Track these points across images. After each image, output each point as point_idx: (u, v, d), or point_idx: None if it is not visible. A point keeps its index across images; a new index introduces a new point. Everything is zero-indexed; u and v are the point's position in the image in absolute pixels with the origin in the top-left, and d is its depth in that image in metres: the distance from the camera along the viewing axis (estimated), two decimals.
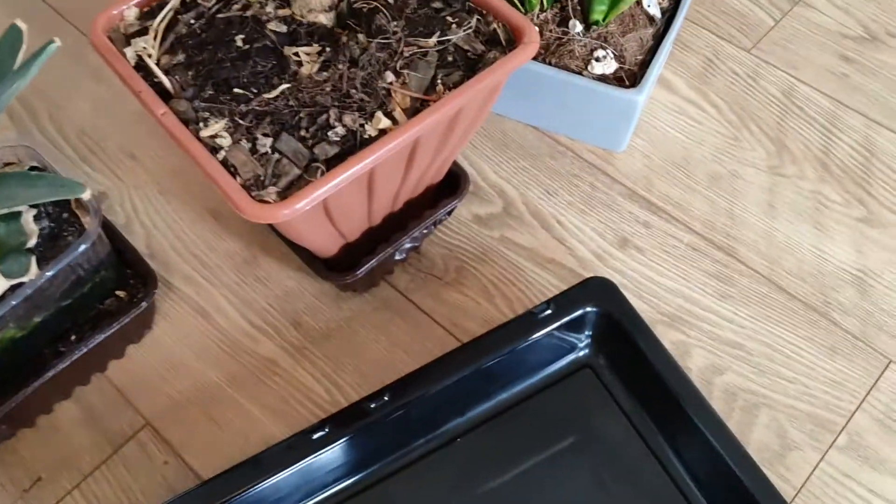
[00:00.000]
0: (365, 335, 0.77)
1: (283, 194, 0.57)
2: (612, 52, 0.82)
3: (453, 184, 0.79)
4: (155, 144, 0.90)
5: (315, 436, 0.67)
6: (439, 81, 0.62)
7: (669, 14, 0.86)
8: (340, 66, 0.61)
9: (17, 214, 0.64)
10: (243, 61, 0.61)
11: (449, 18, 0.65)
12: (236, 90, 0.61)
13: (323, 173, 0.57)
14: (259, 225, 0.84)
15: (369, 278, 0.79)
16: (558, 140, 0.89)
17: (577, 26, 0.83)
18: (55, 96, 0.93)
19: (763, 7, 0.98)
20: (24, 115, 0.92)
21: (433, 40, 0.63)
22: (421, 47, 0.63)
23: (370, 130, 0.59)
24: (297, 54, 0.62)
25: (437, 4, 0.66)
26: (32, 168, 0.70)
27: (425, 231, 0.80)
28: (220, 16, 0.64)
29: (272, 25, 0.63)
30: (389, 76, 0.62)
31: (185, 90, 0.61)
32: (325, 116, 0.59)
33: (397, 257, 0.79)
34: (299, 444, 0.67)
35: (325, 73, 0.61)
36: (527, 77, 0.83)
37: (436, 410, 0.70)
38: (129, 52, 0.64)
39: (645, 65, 0.82)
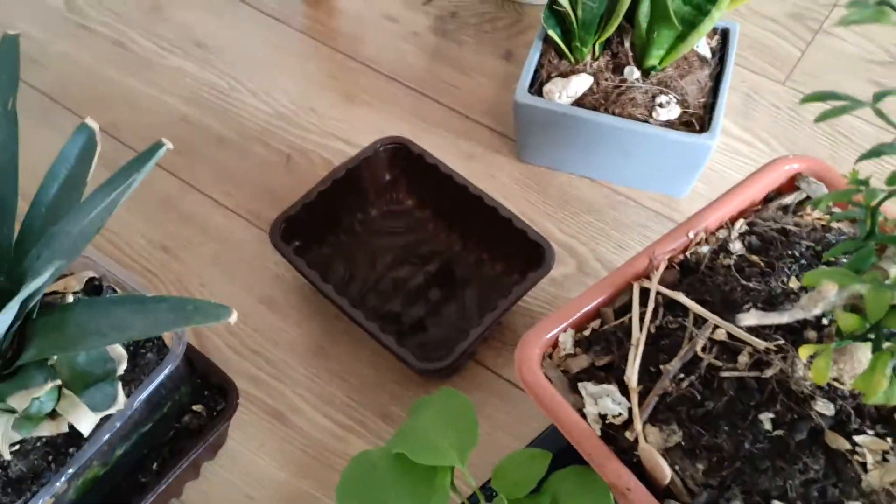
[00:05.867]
0: None
1: None
2: (675, 97, 0.79)
3: (536, 254, 0.74)
4: (186, 232, 0.82)
5: None
6: None
7: (720, 54, 0.84)
8: None
9: None
10: (784, 459, 0.44)
11: None
12: None
13: None
14: (320, 311, 0.77)
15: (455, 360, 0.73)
16: (616, 190, 0.85)
17: (634, 73, 0.80)
18: None
19: (787, 39, 0.98)
20: None
21: None
22: None
23: None
24: (853, 450, 0.45)
25: None
26: (90, 280, 0.62)
27: None
28: (725, 374, 0.47)
29: (820, 406, 0.45)
30: None
31: (698, 494, 0.45)
32: None
33: None
34: None
35: None
36: (589, 129, 0.79)
37: None
38: (590, 410, 0.48)
39: (709, 107, 0.79)
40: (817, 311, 0.37)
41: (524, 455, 0.50)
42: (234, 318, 0.44)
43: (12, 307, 0.46)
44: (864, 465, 0.44)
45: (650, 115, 0.79)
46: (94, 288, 0.61)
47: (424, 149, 0.79)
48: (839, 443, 0.45)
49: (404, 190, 0.83)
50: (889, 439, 0.45)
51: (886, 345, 0.38)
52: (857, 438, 0.45)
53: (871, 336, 0.41)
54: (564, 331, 0.51)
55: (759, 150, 0.89)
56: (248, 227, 0.83)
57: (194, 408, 0.66)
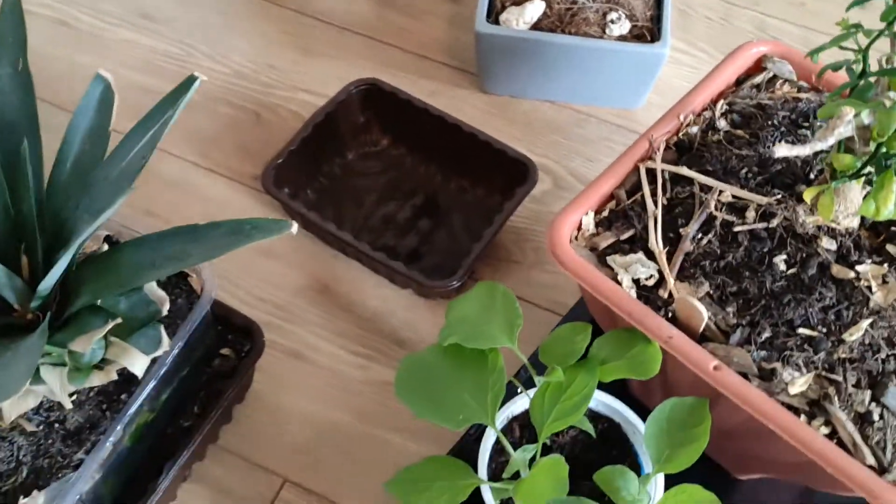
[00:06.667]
0: None
1: None
2: (624, 13, 0.84)
3: (518, 172, 0.78)
4: (170, 196, 0.83)
5: None
6: None
7: None
8: None
9: (139, 286, 0.58)
10: (802, 292, 0.50)
11: None
12: (803, 331, 0.49)
13: None
14: (318, 253, 0.80)
15: None
16: (577, 109, 0.90)
17: None
18: None
19: None
20: None
21: None
22: None
23: None
24: (857, 277, 0.51)
25: None
26: (107, 238, 0.63)
27: None
28: (737, 229, 0.53)
29: (824, 242, 0.51)
30: None
31: (732, 332, 0.50)
32: None
33: None
34: None
35: None
36: (549, 51, 0.83)
37: None
38: (623, 278, 0.52)
39: (656, 19, 0.85)
40: (831, 141, 0.42)
41: (566, 329, 0.54)
42: (294, 228, 0.46)
43: (72, 249, 0.47)
44: (869, 288, 0.50)
45: (604, 32, 0.84)
46: (112, 244, 0.62)
47: (396, 86, 0.82)
48: (845, 273, 0.51)
49: (378, 130, 0.86)
50: (885, 265, 0.51)
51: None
52: (858, 268, 0.51)
53: (867, 170, 0.46)
54: (585, 213, 0.56)
55: (700, 58, 0.95)
56: (230, 184, 0.84)
57: (222, 351, 0.68)
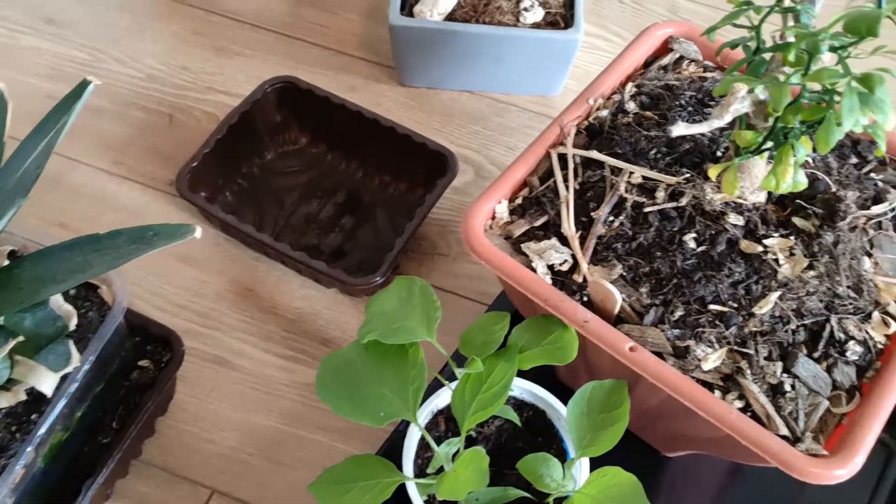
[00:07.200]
0: None
1: (818, 437, 0.47)
2: (537, 1, 0.84)
3: (438, 163, 0.78)
4: (81, 206, 0.80)
5: None
6: None
7: None
8: (823, 260, 0.51)
9: (44, 301, 0.55)
10: (712, 269, 0.50)
11: (874, 175, 0.56)
12: (714, 307, 0.50)
13: (850, 401, 0.48)
14: (238, 256, 0.78)
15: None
16: (496, 98, 0.90)
17: None
18: None
19: None
20: None
21: (884, 207, 0.53)
22: (871, 219, 0.53)
23: (877, 337, 0.50)
24: (765, 251, 0.51)
25: (854, 160, 0.57)
26: (11, 253, 0.61)
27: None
28: (648, 210, 0.52)
29: (732, 218, 0.51)
30: (866, 262, 0.51)
31: (646, 313, 0.50)
32: (828, 327, 0.49)
33: None
34: None
35: (811, 272, 0.50)
36: (463, 41, 0.83)
37: None
38: (538, 264, 0.52)
39: (568, 5, 0.85)
40: (728, 118, 0.42)
41: (485, 319, 0.54)
42: (198, 233, 0.45)
43: None
44: (776, 261, 0.51)
45: (517, 21, 0.84)
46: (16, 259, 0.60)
47: (312, 84, 0.81)
48: (753, 248, 0.51)
49: (296, 129, 0.84)
50: (792, 237, 0.52)
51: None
52: (766, 242, 0.51)
53: (768, 145, 0.47)
54: (499, 202, 0.55)
55: (614, 42, 0.95)
56: (145, 190, 0.82)
57: (140, 363, 0.66)
